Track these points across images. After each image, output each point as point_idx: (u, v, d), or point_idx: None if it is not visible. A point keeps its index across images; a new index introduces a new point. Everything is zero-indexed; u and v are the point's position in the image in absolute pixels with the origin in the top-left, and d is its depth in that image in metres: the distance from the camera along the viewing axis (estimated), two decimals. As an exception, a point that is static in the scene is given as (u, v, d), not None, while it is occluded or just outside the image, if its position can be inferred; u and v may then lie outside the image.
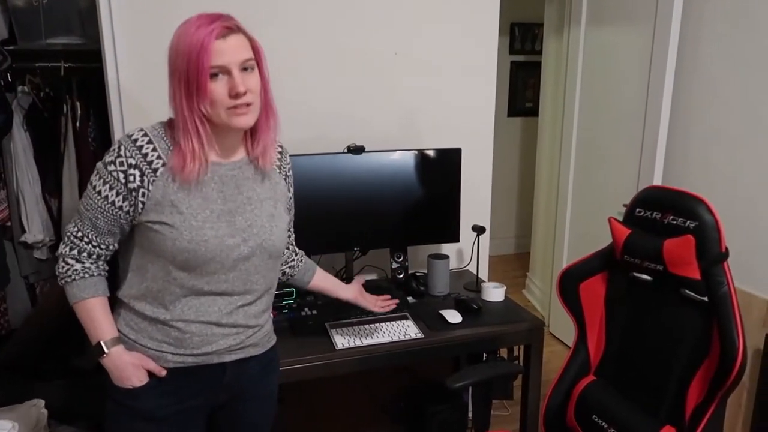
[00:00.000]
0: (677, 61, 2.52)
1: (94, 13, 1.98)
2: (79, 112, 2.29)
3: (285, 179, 1.41)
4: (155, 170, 1.18)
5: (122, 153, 1.17)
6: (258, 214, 1.28)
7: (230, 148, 1.26)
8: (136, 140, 1.18)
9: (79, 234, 1.23)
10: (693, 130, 2.50)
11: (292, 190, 1.46)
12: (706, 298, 1.38)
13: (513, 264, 4.88)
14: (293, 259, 1.60)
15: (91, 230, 1.22)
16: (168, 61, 1.16)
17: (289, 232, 1.57)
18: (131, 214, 1.20)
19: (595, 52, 3.09)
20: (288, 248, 1.59)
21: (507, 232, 5.12)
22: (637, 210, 1.52)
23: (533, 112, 4.56)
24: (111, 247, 1.26)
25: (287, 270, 1.59)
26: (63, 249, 1.24)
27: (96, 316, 1.24)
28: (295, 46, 2.19)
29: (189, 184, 1.19)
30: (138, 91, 2.01)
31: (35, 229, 2.30)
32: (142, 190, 1.17)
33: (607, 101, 2.99)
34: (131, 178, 1.16)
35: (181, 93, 1.13)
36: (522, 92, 4.84)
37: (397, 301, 1.80)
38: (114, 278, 1.32)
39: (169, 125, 1.22)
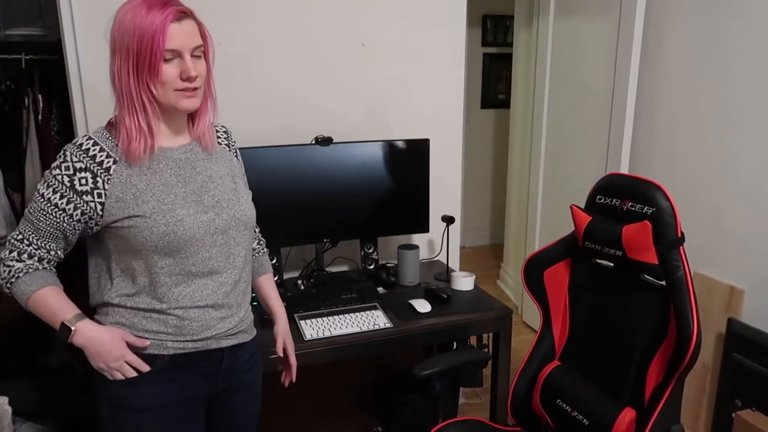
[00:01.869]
0: (642, 52, 2.56)
1: (54, 3, 1.94)
2: (41, 105, 2.24)
3: (236, 157, 1.44)
4: (107, 169, 1.18)
5: (67, 158, 1.17)
6: (222, 190, 1.30)
7: (176, 132, 1.27)
8: (81, 145, 1.19)
9: (19, 237, 1.22)
10: (658, 120, 2.55)
11: (243, 169, 1.47)
12: (663, 283, 1.41)
13: (488, 255, 4.92)
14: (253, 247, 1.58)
15: (32, 233, 1.21)
16: (111, 39, 1.15)
17: None
18: (85, 220, 1.19)
19: (563, 44, 3.12)
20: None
21: (481, 223, 5.16)
22: (598, 197, 1.55)
23: (506, 104, 4.59)
24: (53, 253, 1.23)
25: None
26: (2, 254, 1.22)
27: (51, 302, 1.21)
28: (261, 36, 2.17)
29: (140, 165, 1.20)
30: (100, 82, 1.97)
31: (-2, 224, 2.25)
32: (97, 191, 1.17)
33: (575, 92, 3.03)
34: (82, 182, 1.16)
35: (129, 71, 1.13)
36: (495, 84, 4.87)
37: (290, 377, 1.59)
38: (81, 287, 1.30)
39: (111, 126, 1.23)
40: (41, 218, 1.19)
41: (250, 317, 1.42)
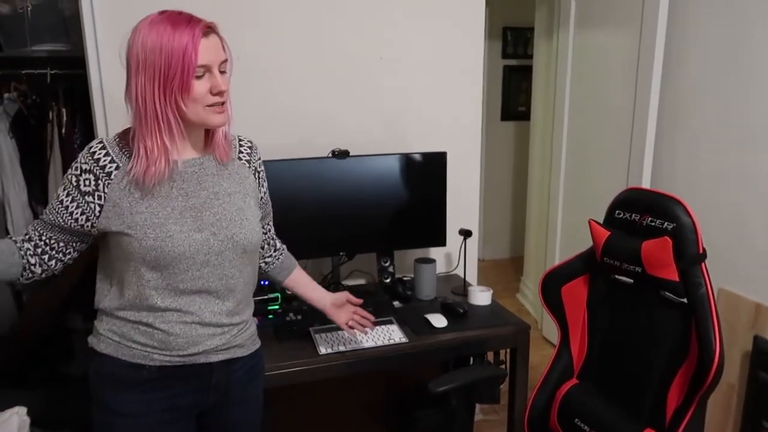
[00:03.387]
0: (664, 64, 2.52)
1: (78, 19, 1.98)
2: (64, 118, 2.29)
3: (255, 174, 1.41)
4: (109, 173, 1.19)
5: (79, 161, 1.22)
6: (226, 208, 1.28)
7: (189, 146, 1.26)
8: (91, 148, 1.22)
9: (30, 228, 1.27)
10: (680, 133, 2.50)
11: (265, 185, 1.46)
12: (685, 300, 1.37)
13: (507, 268, 4.87)
14: (270, 255, 1.59)
15: (41, 224, 1.26)
16: (133, 59, 1.15)
17: (268, 227, 1.57)
18: (82, 221, 1.21)
19: (584, 56, 3.10)
20: (267, 244, 1.58)
21: (501, 236, 5.11)
22: (617, 212, 1.52)
23: (526, 116, 4.56)
24: (55, 246, 1.25)
25: (262, 265, 1.58)
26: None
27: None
28: (279, 51, 2.19)
29: (150, 186, 1.20)
30: (122, 97, 1.99)
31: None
32: (97, 193, 1.19)
33: (595, 105, 2.99)
34: (85, 182, 1.19)
35: (155, 90, 1.13)
36: (515, 96, 4.84)
37: (370, 324, 1.71)
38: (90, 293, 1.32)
39: (125, 134, 1.24)
40: (50, 213, 1.24)
41: (248, 332, 1.39)
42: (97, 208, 1.20)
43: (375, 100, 2.34)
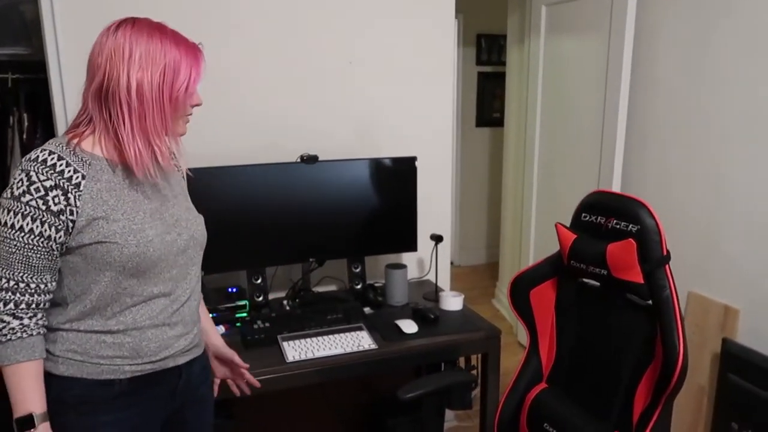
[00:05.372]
0: (632, 70, 2.55)
1: (40, 23, 1.94)
2: (26, 124, 2.24)
3: (183, 178, 1.42)
4: (77, 185, 1.11)
5: (34, 179, 1.07)
6: (178, 209, 1.29)
7: None
8: (45, 161, 1.09)
9: (11, 284, 1.10)
10: (650, 138, 2.53)
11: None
12: (650, 302, 1.37)
13: (484, 274, 4.88)
14: None
15: (25, 272, 1.10)
16: (128, 52, 1.11)
17: None
18: (63, 239, 1.12)
19: (554, 62, 3.12)
20: None
21: (478, 242, 5.12)
22: (583, 215, 1.52)
23: (501, 122, 4.58)
24: (48, 286, 1.14)
25: None
26: None
27: (29, 384, 1.12)
28: (248, 54, 2.16)
29: (119, 183, 1.17)
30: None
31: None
32: (69, 208, 1.10)
33: (567, 110, 3.01)
34: (55, 201, 1.08)
35: (162, 86, 1.14)
36: (490, 103, 4.87)
37: (246, 388, 1.57)
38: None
39: (74, 135, 1.15)
40: (30, 254, 1.09)
41: (199, 331, 1.39)
42: (70, 225, 1.11)
43: (345, 105, 2.32)
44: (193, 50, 1.18)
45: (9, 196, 1.09)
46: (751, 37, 2.04)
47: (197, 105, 1.23)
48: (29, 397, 1.12)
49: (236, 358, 1.49)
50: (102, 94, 1.13)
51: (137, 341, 1.21)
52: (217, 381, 1.54)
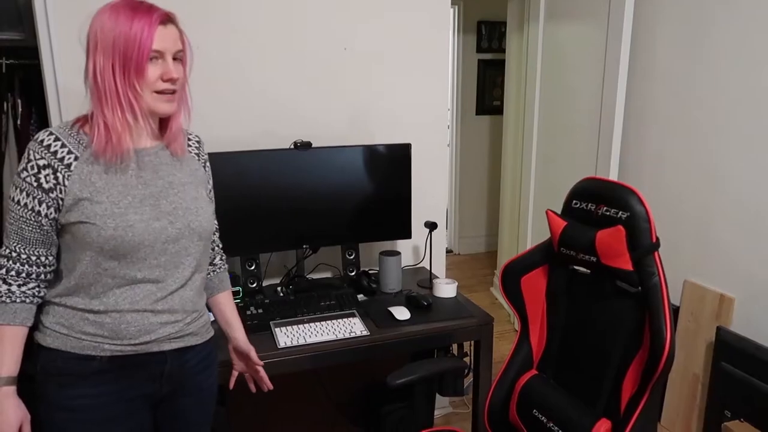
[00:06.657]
0: (631, 57, 2.53)
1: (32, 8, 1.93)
2: (20, 109, 2.24)
3: (204, 167, 1.42)
4: (68, 165, 1.17)
5: (31, 157, 1.17)
6: (182, 197, 1.29)
7: (148, 134, 1.27)
8: (42, 141, 1.18)
9: (6, 251, 1.20)
10: (647, 126, 2.51)
11: (211, 182, 1.45)
12: (639, 289, 1.37)
13: (483, 262, 4.88)
14: (210, 266, 1.53)
15: (18, 243, 1.19)
16: (92, 38, 1.16)
17: (215, 226, 1.52)
18: (55, 217, 1.19)
19: (553, 49, 3.10)
20: (212, 250, 1.53)
21: (477, 230, 5.12)
22: (574, 202, 1.51)
23: (501, 110, 4.56)
24: (42, 259, 1.21)
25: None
26: None
27: (4, 347, 1.19)
28: (243, 40, 2.15)
29: (112, 167, 1.19)
30: (77, 86, 1.95)
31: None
32: (59, 187, 1.16)
33: (565, 98, 2.99)
34: (46, 179, 1.16)
35: (115, 69, 1.15)
36: (490, 90, 4.84)
37: (267, 385, 1.57)
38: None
39: (80, 120, 1.22)
40: (24, 226, 1.18)
41: (203, 320, 1.39)
42: (60, 203, 1.18)
43: (340, 91, 2.31)
44: (148, 24, 1.14)
45: (17, 172, 1.19)
46: (748, 26, 2.02)
47: (169, 80, 1.19)
48: (0, 359, 1.18)
49: (252, 354, 1.52)
50: (84, 80, 1.19)
51: (116, 323, 1.23)
52: (235, 373, 1.57)
